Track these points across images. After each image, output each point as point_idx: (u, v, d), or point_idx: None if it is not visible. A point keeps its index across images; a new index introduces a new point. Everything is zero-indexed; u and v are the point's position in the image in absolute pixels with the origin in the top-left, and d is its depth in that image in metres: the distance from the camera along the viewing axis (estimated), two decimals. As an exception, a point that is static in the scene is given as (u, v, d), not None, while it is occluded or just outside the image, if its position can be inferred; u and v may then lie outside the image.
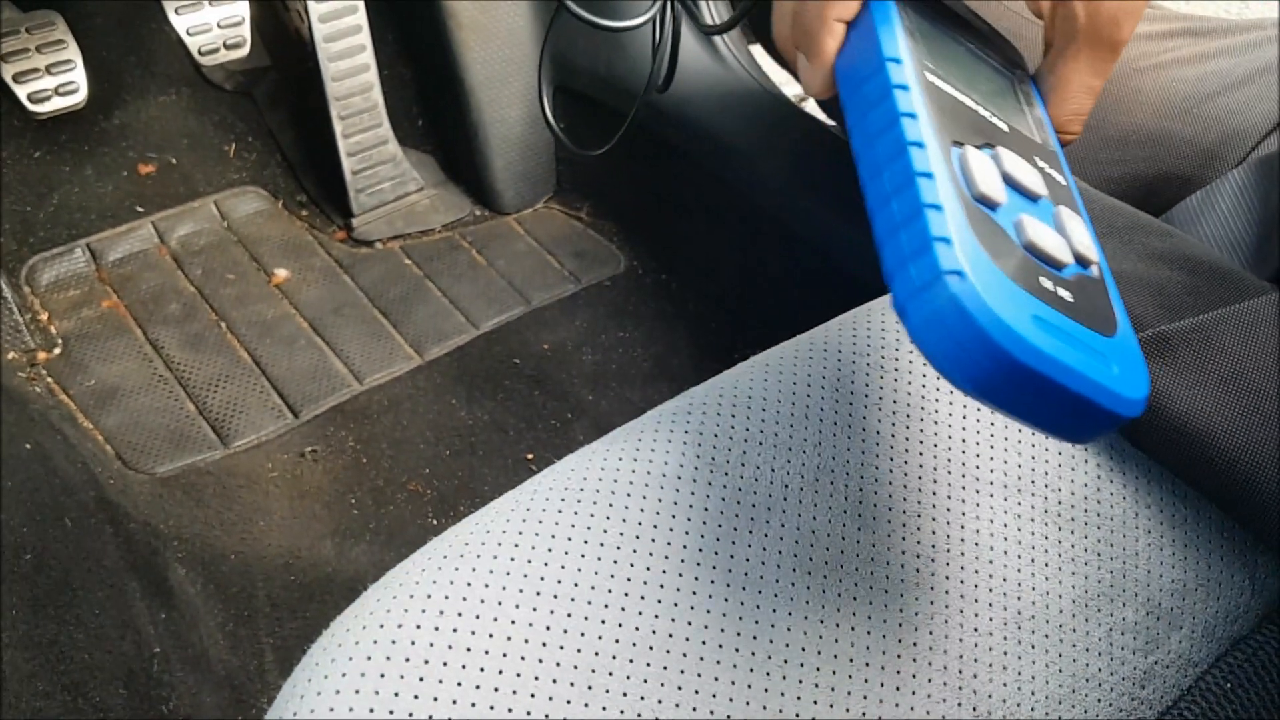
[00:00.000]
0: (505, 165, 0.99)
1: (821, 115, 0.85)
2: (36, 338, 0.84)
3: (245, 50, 0.94)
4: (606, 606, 0.32)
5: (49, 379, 0.82)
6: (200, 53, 0.91)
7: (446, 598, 0.32)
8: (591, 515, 0.35)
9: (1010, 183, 0.31)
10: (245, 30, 0.92)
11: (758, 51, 0.94)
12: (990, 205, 0.29)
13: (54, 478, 0.64)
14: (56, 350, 0.84)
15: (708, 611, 0.33)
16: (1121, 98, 0.56)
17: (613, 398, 0.88)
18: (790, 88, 1.02)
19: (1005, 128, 0.33)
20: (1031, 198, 0.31)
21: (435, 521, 0.79)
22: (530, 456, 0.84)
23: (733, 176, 0.90)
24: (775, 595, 0.33)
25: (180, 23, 0.92)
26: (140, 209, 0.94)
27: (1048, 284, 0.28)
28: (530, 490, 0.37)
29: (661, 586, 0.33)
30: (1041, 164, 0.33)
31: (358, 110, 0.92)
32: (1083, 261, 0.30)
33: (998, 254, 0.28)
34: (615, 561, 0.34)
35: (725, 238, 0.96)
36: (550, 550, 0.34)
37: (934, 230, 0.27)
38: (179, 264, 0.92)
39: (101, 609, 0.58)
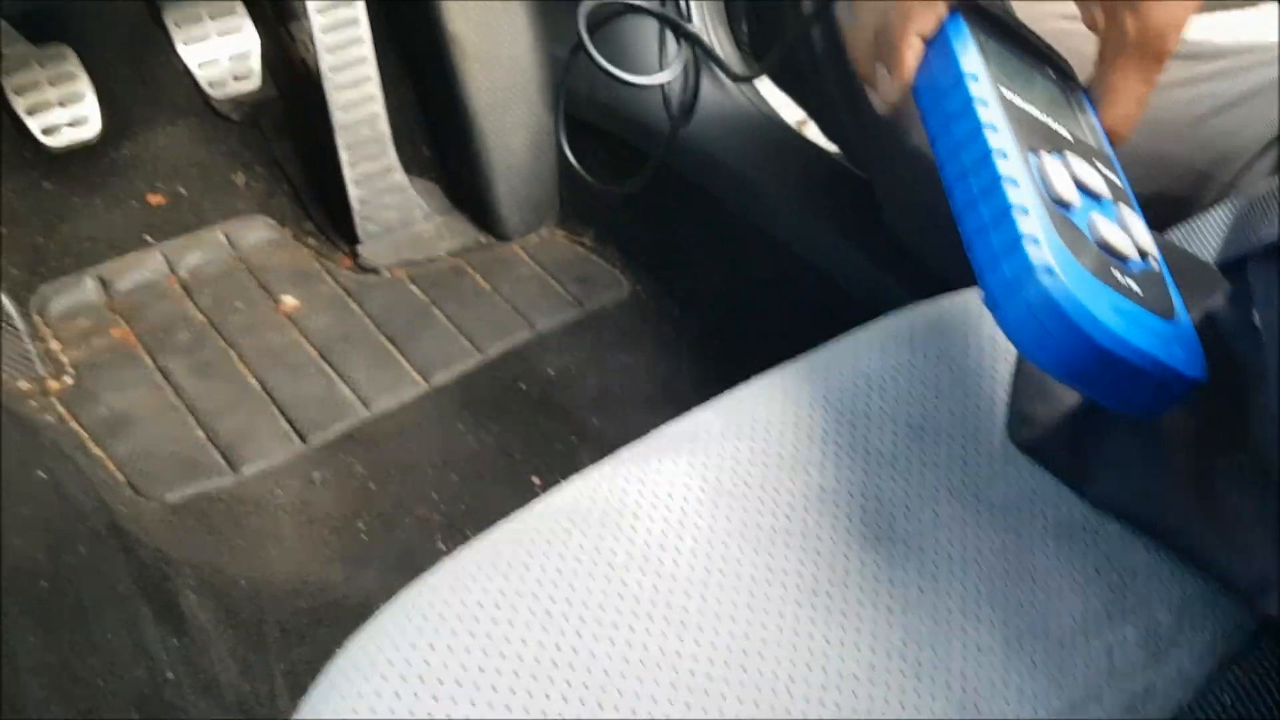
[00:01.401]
0: (509, 191, 1.00)
1: (823, 141, 0.86)
2: (47, 367, 0.85)
3: (254, 82, 0.96)
4: (616, 627, 0.33)
5: (60, 407, 0.83)
6: (210, 85, 0.92)
7: (459, 619, 0.33)
8: (600, 537, 0.36)
9: (1080, 185, 0.34)
10: (254, 63, 0.94)
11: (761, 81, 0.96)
12: (1066, 206, 0.32)
13: (67, 505, 0.65)
14: (67, 379, 0.85)
15: (715, 632, 0.33)
16: None
17: (617, 422, 0.89)
18: (788, 113, 1.03)
19: (1068, 135, 0.36)
20: (1097, 198, 0.34)
21: (443, 546, 0.79)
22: (537, 480, 0.84)
23: (735, 201, 0.91)
24: (781, 615, 0.34)
25: (189, 56, 0.94)
26: (150, 238, 0.95)
27: (1119, 276, 0.31)
28: (539, 512, 0.38)
29: (669, 607, 0.33)
30: (1101, 167, 0.36)
31: (364, 139, 0.94)
32: (1144, 255, 0.33)
33: (1077, 250, 0.31)
34: (624, 583, 0.34)
35: (728, 261, 0.97)
36: (560, 572, 0.34)
37: (1023, 230, 0.31)
38: (188, 292, 0.94)
39: (114, 635, 0.59)
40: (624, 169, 0.78)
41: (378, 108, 0.93)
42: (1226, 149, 0.55)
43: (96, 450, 0.80)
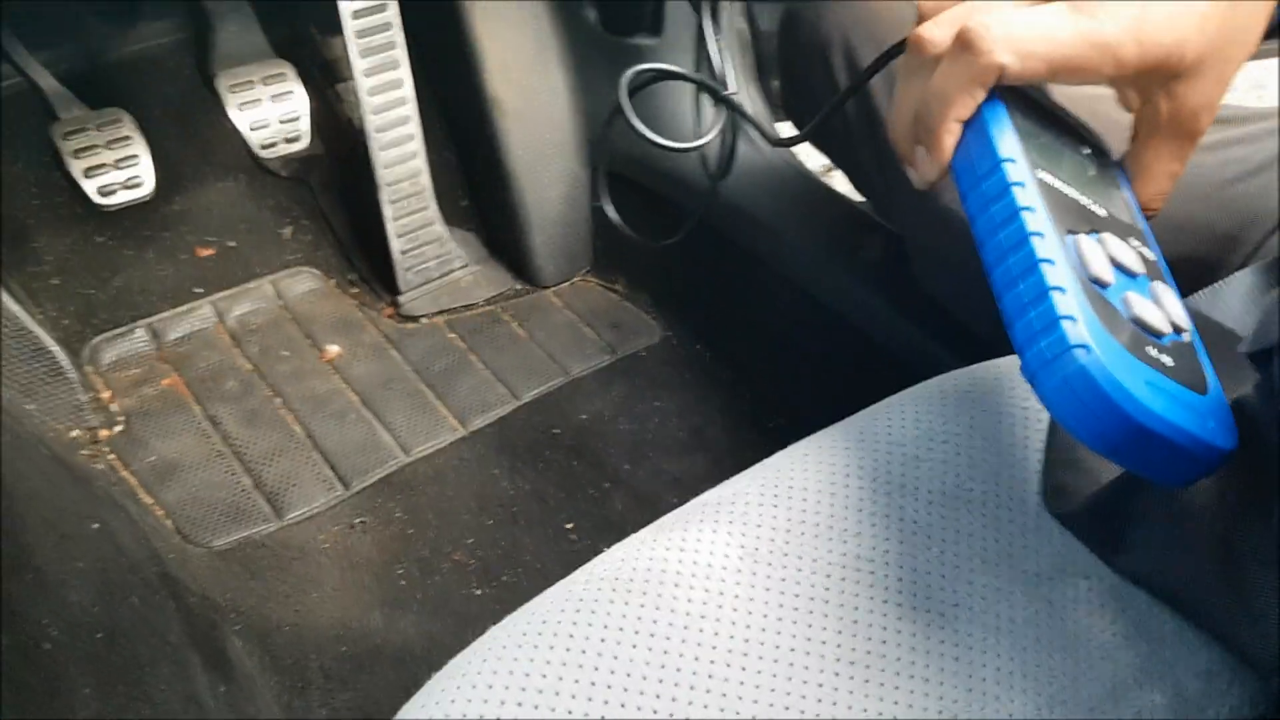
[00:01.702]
0: (545, 241, 1.03)
1: (852, 193, 0.88)
2: (98, 416, 0.87)
3: (304, 143, 0.99)
4: (658, 697, 0.34)
5: (111, 456, 0.85)
6: (261, 147, 0.96)
7: (506, 688, 0.34)
8: (641, 606, 0.37)
9: (1115, 263, 0.35)
10: (304, 125, 0.97)
11: (785, 129, 0.97)
12: (1102, 285, 0.34)
13: (120, 556, 0.67)
14: (118, 428, 0.87)
15: (754, 702, 0.34)
16: None
17: (649, 468, 0.90)
18: (814, 161, 1.05)
19: (1104, 213, 0.38)
20: (1132, 275, 0.36)
21: (479, 591, 0.81)
22: (570, 526, 0.86)
23: (765, 252, 0.93)
24: (820, 685, 0.35)
25: (242, 120, 0.98)
26: (199, 290, 0.98)
27: (1153, 352, 0.33)
28: (583, 580, 0.39)
29: (710, 677, 0.35)
30: (1135, 243, 0.38)
31: (406, 194, 0.96)
32: (1177, 329, 0.35)
33: (1113, 328, 0.32)
34: (665, 652, 0.35)
35: (759, 309, 0.98)
36: (604, 641, 0.36)
37: (1060, 309, 0.32)
38: (236, 342, 0.96)
39: (167, 685, 0.61)
40: (657, 220, 0.80)
41: (420, 163, 0.96)
42: (1254, 213, 0.56)
43: (146, 498, 0.82)
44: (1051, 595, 0.39)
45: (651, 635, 0.36)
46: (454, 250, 1.02)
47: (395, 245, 0.97)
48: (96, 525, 0.68)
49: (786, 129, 0.98)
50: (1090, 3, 0.37)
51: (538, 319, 1.02)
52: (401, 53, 0.90)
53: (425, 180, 0.97)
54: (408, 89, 0.92)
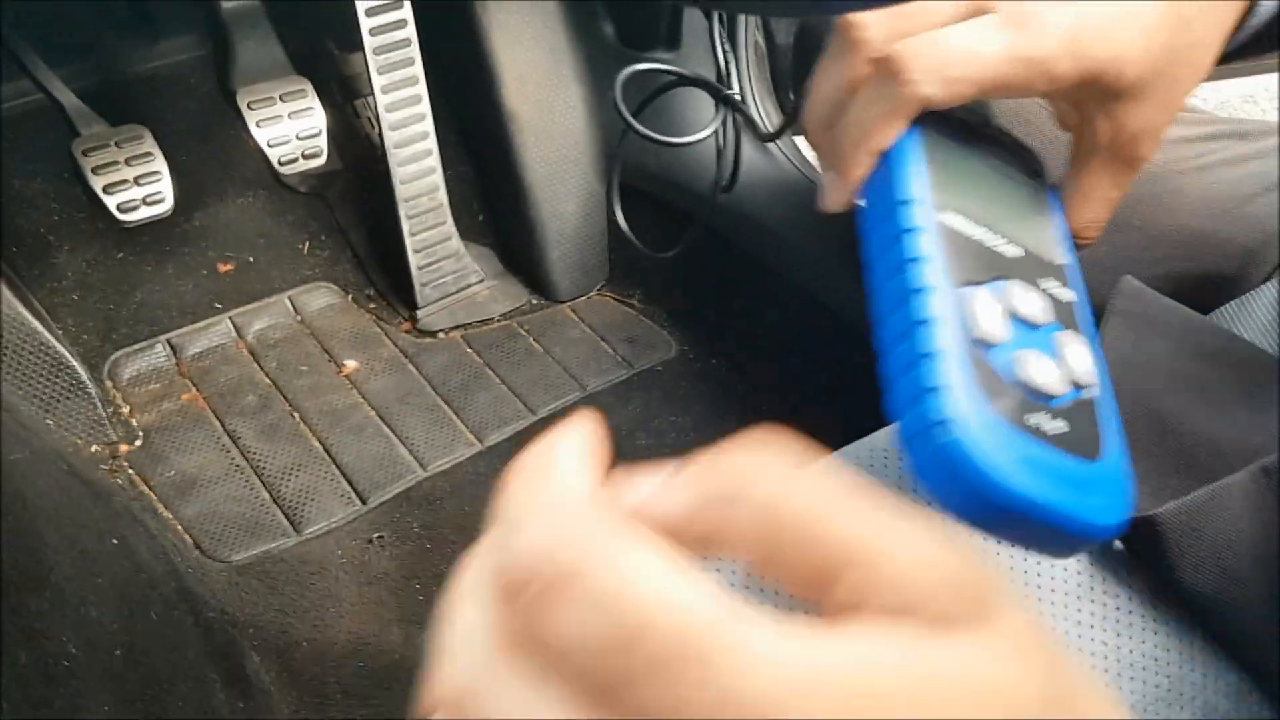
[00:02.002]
0: (561, 256, 1.03)
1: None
2: (118, 430, 0.88)
3: (322, 159, 1.00)
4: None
5: (130, 471, 0.86)
6: (280, 163, 0.96)
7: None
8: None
9: (1015, 316, 0.32)
10: (323, 141, 0.98)
11: (802, 141, 0.98)
12: (989, 345, 0.31)
13: (140, 572, 0.67)
14: (138, 442, 0.88)
15: None
16: (1164, 198, 0.58)
17: (668, 482, 0.90)
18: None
19: (1018, 253, 0.35)
20: (1033, 327, 0.32)
21: (497, 607, 0.81)
22: (588, 541, 0.85)
23: (779, 263, 0.93)
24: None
25: (261, 136, 0.99)
26: (219, 305, 0.98)
27: (1037, 419, 0.30)
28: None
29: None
30: (1050, 286, 0.34)
31: (424, 209, 0.97)
32: (1079, 385, 0.32)
33: (992, 395, 0.30)
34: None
35: (774, 322, 0.98)
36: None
37: (927, 381, 0.30)
38: (255, 357, 0.97)
39: (185, 701, 0.61)
40: (673, 233, 0.80)
41: (438, 179, 0.96)
42: (1275, 227, 0.55)
43: (165, 512, 0.83)
44: (1080, 615, 0.38)
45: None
46: (471, 265, 1.03)
47: (413, 260, 0.97)
48: (115, 541, 0.68)
49: (801, 141, 0.98)
50: (1023, 11, 0.34)
51: (554, 334, 1.02)
52: (419, 69, 0.91)
53: (442, 195, 0.97)
54: (425, 105, 0.92)
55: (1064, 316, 0.34)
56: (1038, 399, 0.31)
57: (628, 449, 0.92)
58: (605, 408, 0.95)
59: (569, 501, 0.20)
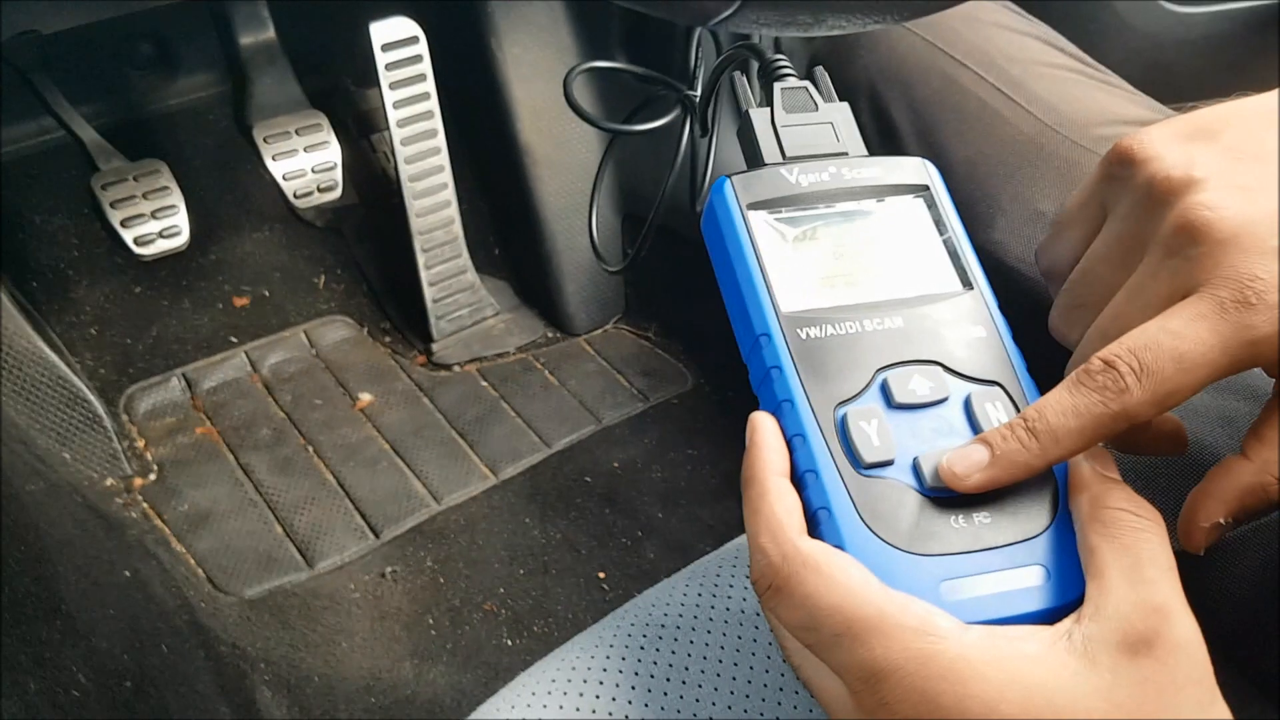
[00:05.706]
0: (576, 289, 1.03)
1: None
2: (133, 464, 0.88)
3: (337, 193, 1.01)
4: (691, 746, 0.33)
5: (144, 504, 0.86)
6: (295, 196, 0.97)
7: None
8: (673, 652, 0.36)
9: (906, 407, 0.30)
10: (337, 174, 0.99)
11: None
12: (880, 466, 0.29)
13: (151, 604, 0.67)
14: (152, 476, 0.88)
15: (790, 752, 0.33)
16: None
17: (682, 515, 0.89)
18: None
19: (898, 324, 0.32)
20: (936, 403, 0.30)
21: (510, 642, 0.80)
22: (602, 575, 0.84)
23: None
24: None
25: (277, 169, 1.00)
26: (234, 339, 0.99)
27: (957, 522, 0.28)
28: (614, 625, 0.38)
29: (744, 726, 0.34)
30: (960, 356, 0.31)
31: (439, 243, 0.97)
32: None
33: (878, 525, 0.28)
34: (698, 700, 0.35)
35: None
36: (634, 688, 0.35)
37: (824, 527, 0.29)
38: (270, 391, 0.97)
39: (194, 735, 0.60)
40: (692, 265, 0.79)
41: (453, 212, 0.97)
42: None
43: (178, 546, 0.82)
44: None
45: (683, 683, 0.35)
46: (486, 298, 1.03)
47: (428, 293, 0.98)
48: (128, 573, 0.68)
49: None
50: (1242, 286, 0.28)
51: (569, 367, 1.02)
52: (435, 103, 0.92)
53: (458, 229, 0.97)
54: (441, 139, 0.93)
55: (985, 390, 0.31)
56: (953, 502, 0.29)
57: (643, 482, 0.92)
58: (620, 441, 0.95)
59: (778, 533, 0.29)
